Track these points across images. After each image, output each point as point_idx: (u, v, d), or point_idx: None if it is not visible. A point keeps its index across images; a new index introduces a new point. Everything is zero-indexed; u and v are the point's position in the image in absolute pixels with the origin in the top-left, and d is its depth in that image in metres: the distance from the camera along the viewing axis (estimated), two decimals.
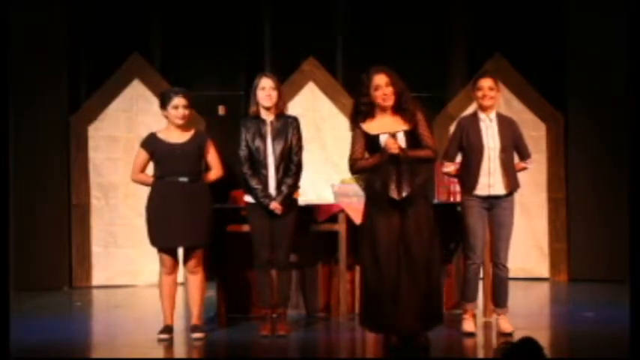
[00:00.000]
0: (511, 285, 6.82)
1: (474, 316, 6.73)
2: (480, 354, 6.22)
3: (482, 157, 6.55)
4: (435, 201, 7.84)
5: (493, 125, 6.62)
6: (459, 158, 6.76)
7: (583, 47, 9.59)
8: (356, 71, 10.07)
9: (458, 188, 7.90)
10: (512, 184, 6.60)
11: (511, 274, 6.84)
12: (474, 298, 6.69)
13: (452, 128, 9.68)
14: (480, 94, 6.63)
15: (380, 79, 6.04)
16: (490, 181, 6.55)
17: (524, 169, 6.82)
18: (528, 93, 9.89)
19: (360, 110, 6.08)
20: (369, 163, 6.03)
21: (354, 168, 6.11)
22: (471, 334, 6.59)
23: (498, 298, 6.69)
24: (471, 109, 9.59)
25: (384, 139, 5.99)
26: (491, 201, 6.58)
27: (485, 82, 6.65)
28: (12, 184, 9.02)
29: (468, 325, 6.65)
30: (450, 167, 6.74)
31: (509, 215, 6.61)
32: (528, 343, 4.20)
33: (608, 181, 9.43)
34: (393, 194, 5.94)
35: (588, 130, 9.59)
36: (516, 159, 6.74)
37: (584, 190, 9.63)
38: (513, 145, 6.66)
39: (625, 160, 8.48)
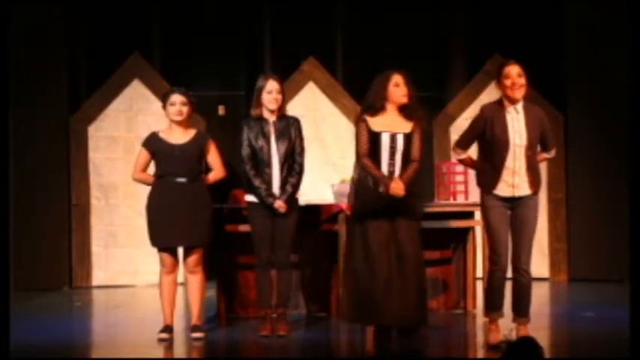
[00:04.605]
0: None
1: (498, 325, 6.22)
2: (480, 354, 6.21)
3: (507, 154, 6.03)
4: (435, 201, 7.85)
5: (520, 118, 6.08)
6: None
7: (583, 47, 9.59)
8: (356, 71, 10.21)
9: (460, 188, 7.90)
10: (537, 184, 6.10)
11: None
12: (499, 307, 6.16)
13: (452, 128, 9.77)
14: (508, 82, 6.07)
15: (399, 78, 6.18)
16: (515, 181, 6.05)
17: (544, 159, 6.34)
18: (528, 93, 9.86)
19: (374, 105, 6.18)
20: (373, 176, 6.10)
21: (360, 163, 6.17)
22: (497, 347, 6.05)
23: (519, 307, 6.14)
24: (471, 109, 9.62)
25: (385, 137, 6.09)
26: (514, 201, 6.08)
27: (513, 69, 6.09)
28: (12, 184, 9.03)
29: (494, 337, 6.15)
30: (463, 155, 6.27)
31: (534, 215, 6.11)
32: (527, 342, 4.20)
33: (608, 181, 9.42)
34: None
35: (588, 130, 9.58)
36: None
37: (584, 190, 9.62)
38: (540, 138, 6.14)
39: (625, 160, 8.51)
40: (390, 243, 6.07)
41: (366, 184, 6.12)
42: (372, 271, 6.06)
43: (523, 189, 6.07)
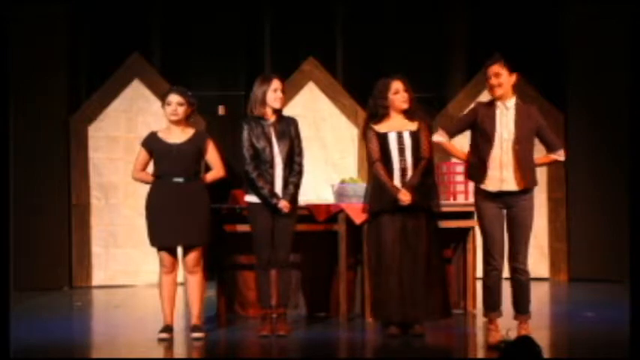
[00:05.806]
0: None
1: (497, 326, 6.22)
2: (480, 354, 6.21)
3: (493, 146, 6.06)
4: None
5: (509, 114, 6.09)
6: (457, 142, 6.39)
7: (583, 47, 9.60)
8: (356, 71, 10.22)
9: (460, 188, 7.91)
10: (526, 180, 6.05)
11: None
12: (497, 307, 6.19)
13: None
14: (487, 83, 6.19)
15: (399, 85, 6.61)
16: (503, 174, 6.04)
17: (554, 161, 6.31)
18: (528, 93, 9.89)
19: (377, 113, 6.61)
20: (383, 181, 6.50)
21: (373, 168, 6.58)
22: (497, 347, 6.05)
23: (519, 305, 6.17)
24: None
25: (392, 136, 6.54)
26: (506, 199, 6.08)
27: (491, 70, 6.16)
28: (12, 184, 9.03)
29: (494, 337, 6.15)
30: (443, 137, 6.25)
31: (529, 215, 6.10)
32: (525, 341, 4.20)
33: (607, 181, 9.43)
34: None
35: (588, 130, 9.59)
36: (543, 152, 6.27)
37: (584, 190, 9.63)
38: (534, 136, 6.12)
39: (625, 160, 8.51)
40: (401, 241, 6.49)
41: (379, 185, 6.52)
42: (384, 269, 6.50)
43: (511, 184, 6.07)
